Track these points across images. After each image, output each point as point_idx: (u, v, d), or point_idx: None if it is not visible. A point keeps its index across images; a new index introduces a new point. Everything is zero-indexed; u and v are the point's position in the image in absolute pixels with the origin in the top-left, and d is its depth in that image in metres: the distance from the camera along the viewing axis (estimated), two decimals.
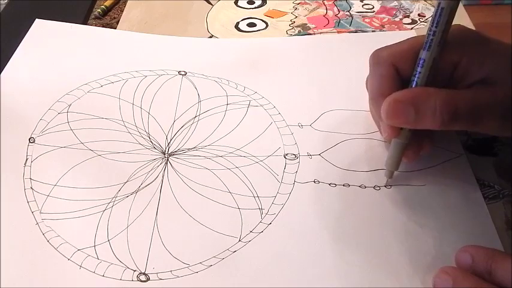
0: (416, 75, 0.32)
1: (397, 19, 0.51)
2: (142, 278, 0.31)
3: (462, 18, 0.50)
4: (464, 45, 0.33)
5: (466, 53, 0.32)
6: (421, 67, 0.32)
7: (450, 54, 0.32)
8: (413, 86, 0.32)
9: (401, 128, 0.33)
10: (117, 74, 0.44)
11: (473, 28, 0.42)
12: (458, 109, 0.30)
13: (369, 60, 0.35)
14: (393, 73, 0.33)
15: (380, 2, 0.53)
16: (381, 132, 0.36)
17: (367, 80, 0.37)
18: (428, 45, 0.31)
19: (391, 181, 0.36)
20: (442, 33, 0.31)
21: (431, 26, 0.31)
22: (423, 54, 0.32)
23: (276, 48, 0.47)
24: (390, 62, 0.33)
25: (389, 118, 0.32)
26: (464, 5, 0.52)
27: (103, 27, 0.50)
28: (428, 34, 0.31)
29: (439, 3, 0.30)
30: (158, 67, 0.45)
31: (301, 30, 0.50)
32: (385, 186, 0.36)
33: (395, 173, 0.35)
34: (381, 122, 0.34)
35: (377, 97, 0.34)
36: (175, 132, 0.40)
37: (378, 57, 0.34)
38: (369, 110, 0.40)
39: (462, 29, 0.33)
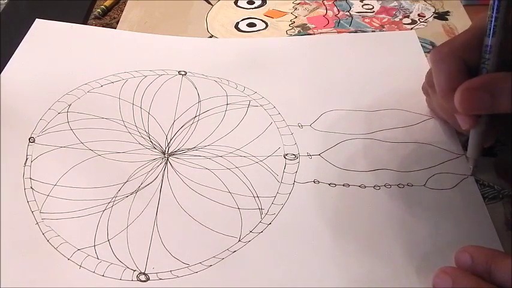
0: (485, 62, 0.32)
1: (396, 19, 0.51)
2: (142, 277, 0.31)
3: (462, 18, 0.50)
4: None
5: None
6: (489, 53, 0.32)
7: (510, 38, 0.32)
8: (484, 73, 0.32)
9: (479, 116, 0.33)
10: (117, 74, 0.44)
11: None
12: None
13: (430, 58, 0.34)
14: (460, 66, 0.33)
15: (380, 2, 0.53)
16: (456, 127, 0.37)
17: (427, 80, 0.37)
18: (492, 31, 0.31)
19: (475, 170, 0.36)
20: (504, 17, 0.31)
21: (492, 12, 0.31)
22: (489, 41, 0.32)
23: (276, 48, 0.47)
24: (454, 56, 0.33)
25: (465, 107, 0.32)
26: (464, 5, 0.52)
27: (103, 27, 0.50)
28: (490, 21, 0.31)
29: None
30: (158, 67, 0.45)
31: (301, 30, 0.50)
32: (471, 174, 0.36)
33: (397, 173, 0.35)
34: (457, 115, 0.34)
35: (448, 93, 0.33)
36: (175, 132, 0.40)
37: (440, 54, 0.34)
38: (369, 110, 0.40)
39: None
